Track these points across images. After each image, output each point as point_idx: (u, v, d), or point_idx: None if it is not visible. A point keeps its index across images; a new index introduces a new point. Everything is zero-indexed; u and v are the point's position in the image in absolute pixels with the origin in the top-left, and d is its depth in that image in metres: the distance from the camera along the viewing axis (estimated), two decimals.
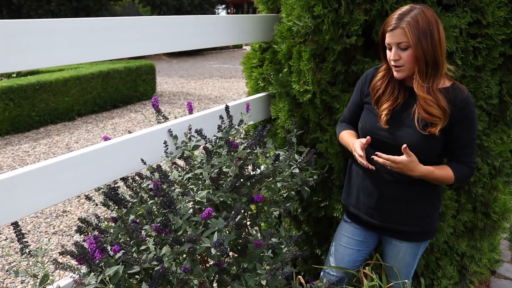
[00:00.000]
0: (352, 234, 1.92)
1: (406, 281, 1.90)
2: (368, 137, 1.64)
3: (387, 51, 1.63)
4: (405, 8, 1.57)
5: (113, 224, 1.65)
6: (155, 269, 1.38)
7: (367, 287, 1.84)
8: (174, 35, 1.93)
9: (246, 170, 1.79)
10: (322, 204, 2.31)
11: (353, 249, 1.92)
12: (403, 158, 1.56)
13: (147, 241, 1.49)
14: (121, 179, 1.71)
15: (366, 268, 1.93)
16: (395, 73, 1.63)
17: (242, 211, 1.78)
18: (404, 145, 1.54)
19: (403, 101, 1.68)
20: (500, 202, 2.26)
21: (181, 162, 1.90)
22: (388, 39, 1.58)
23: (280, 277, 1.48)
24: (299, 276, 1.98)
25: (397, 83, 1.69)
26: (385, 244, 1.92)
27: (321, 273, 2.03)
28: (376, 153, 1.62)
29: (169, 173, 1.69)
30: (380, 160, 1.60)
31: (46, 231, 3.76)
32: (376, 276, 1.90)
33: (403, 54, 1.56)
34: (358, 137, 1.81)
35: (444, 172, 1.65)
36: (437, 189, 1.79)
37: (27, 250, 1.39)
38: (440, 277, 2.31)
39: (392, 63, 1.60)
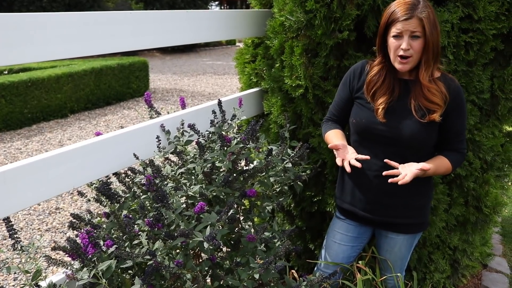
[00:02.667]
0: (346, 231, 1.91)
1: (399, 274, 1.91)
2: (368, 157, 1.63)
3: (392, 40, 1.61)
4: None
5: (105, 219, 1.64)
6: (148, 263, 1.38)
7: (361, 281, 1.85)
8: (166, 30, 1.92)
9: (239, 164, 1.79)
10: (315, 199, 2.31)
11: (347, 245, 1.92)
12: (416, 172, 1.57)
13: (140, 236, 1.49)
14: (113, 174, 1.71)
15: (360, 262, 1.94)
16: (400, 66, 1.62)
17: (236, 206, 1.78)
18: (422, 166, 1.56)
19: (398, 94, 1.69)
20: (491, 196, 2.27)
21: (173, 158, 1.90)
22: (401, 27, 1.57)
23: (273, 271, 1.48)
24: (292, 271, 1.98)
25: (392, 76, 1.70)
26: (379, 238, 1.92)
27: (315, 270, 2.03)
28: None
29: (162, 168, 1.69)
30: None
31: (39, 228, 3.74)
32: (369, 270, 1.91)
33: (414, 44, 1.58)
34: (345, 136, 1.82)
35: (443, 164, 1.69)
36: (431, 180, 1.83)
37: (19, 246, 1.38)
38: (432, 271, 2.32)
39: (401, 52, 1.59)
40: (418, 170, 1.56)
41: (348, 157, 1.65)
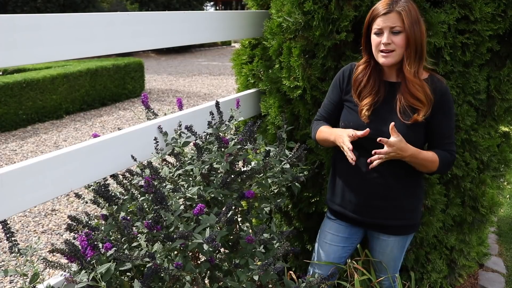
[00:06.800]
0: (337, 231, 1.91)
1: (396, 275, 1.91)
2: (367, 129, 1.61)
3: (374, 37, 1.64)
4: None
5: (103, 221, 1.63)
6: (147, 265, 1.37)
7: (358, 281, 1.86)
8: (164, 32, 1.92)
9: (236, 166, 1.79)
10: (313, 200, 2.31)
11: (338, 246, 1.92)
12: (393, 139, 1.56)
13: (138, 238, 1.48)
14: (111, 176, 1.70)
15: (357, 262, 1.94)
16: (382, 59, 1.63)
17: (233, 207, 1.77)
18: (392, 123, 1.55)
19: (383, 96, 1.70)
20: (488, 196, 2.28)
21: (171, 159, 1.90)
22: (381, 23, 1.60)
23: (272, 272, 1.48)
24: (290, 272, 1.98)
25: (378, 77, 1.71)
26: (371, 240, 1.92)
27: (308, 270, 2.03)
28: (370, 159, 1.61)
29: (160, 170, 1.68)
30: (376, 157, 1.59)
31: (35, 230, 3.72)
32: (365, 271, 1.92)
33: (395, 39, 1.59)
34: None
35: (430, 154, 1.67)
36: (421, 181, 1.82)
37: (16, 249, 1.37)
38: (429, 271, 2.33)
39: (383, 47, 1.61)
40: (392, 137, 1.56)
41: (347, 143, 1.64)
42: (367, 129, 1.62)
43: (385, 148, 1.57)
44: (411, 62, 1.61)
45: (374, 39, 1.64)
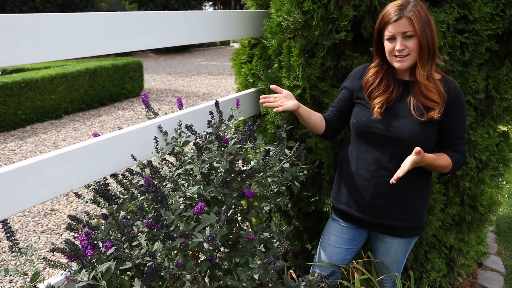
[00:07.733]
0: (341, 233, 1.91)
1: (396, 274, 1.92)
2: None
3: (387, 43, 1.65)
4: (400, 0, 1.62)
5: (103, 221, 1.64)
6: (148, 264, 1.37)
7: (358, 281, 1.86)
8: (164, 31, 1.92)
9: (236, 165, 1.79)
10: (312, 199, 2.32)
11: (342, 247, 1.92)
12: (413, 158, 1.56)
13: (138, 237, 1.48)
14: (111, 175, 1.70)
15: (358, 262, 1.95)
16: (398, 64, 1.64)
17: (233, 206, 1.78)
18: (419, 149, 1.53)
19: (397, 94, 1.70)
20: (487, 196, 2.29)
21: (171, 159, 1.90)
22: (393, 29, 1.60)
23: (272, 271, 1.48)
24: (290, 271, 1.99)
25: (391, 77, 1.71)
26: (375, 242, 1.92)
27: (311, 270, 2.03)
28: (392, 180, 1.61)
29: (160, 169, 1.68)
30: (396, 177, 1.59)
31: (34, 230, 3.72)
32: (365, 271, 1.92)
33: (408, 43, 1.60)
34: (326, 121, 1.84)
35: (443, 158, 1.68)
36: (428, 184, 1.83)
37: (16, 248, 1.37)
38: (429, 270, 2.34)
39: (397, 53, 1.62)
40: (413, 155, 1.54)
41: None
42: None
43: (403, 167, 1.58)
44: (424, 65, 1.63)
45: (387, 45, 1.65)
